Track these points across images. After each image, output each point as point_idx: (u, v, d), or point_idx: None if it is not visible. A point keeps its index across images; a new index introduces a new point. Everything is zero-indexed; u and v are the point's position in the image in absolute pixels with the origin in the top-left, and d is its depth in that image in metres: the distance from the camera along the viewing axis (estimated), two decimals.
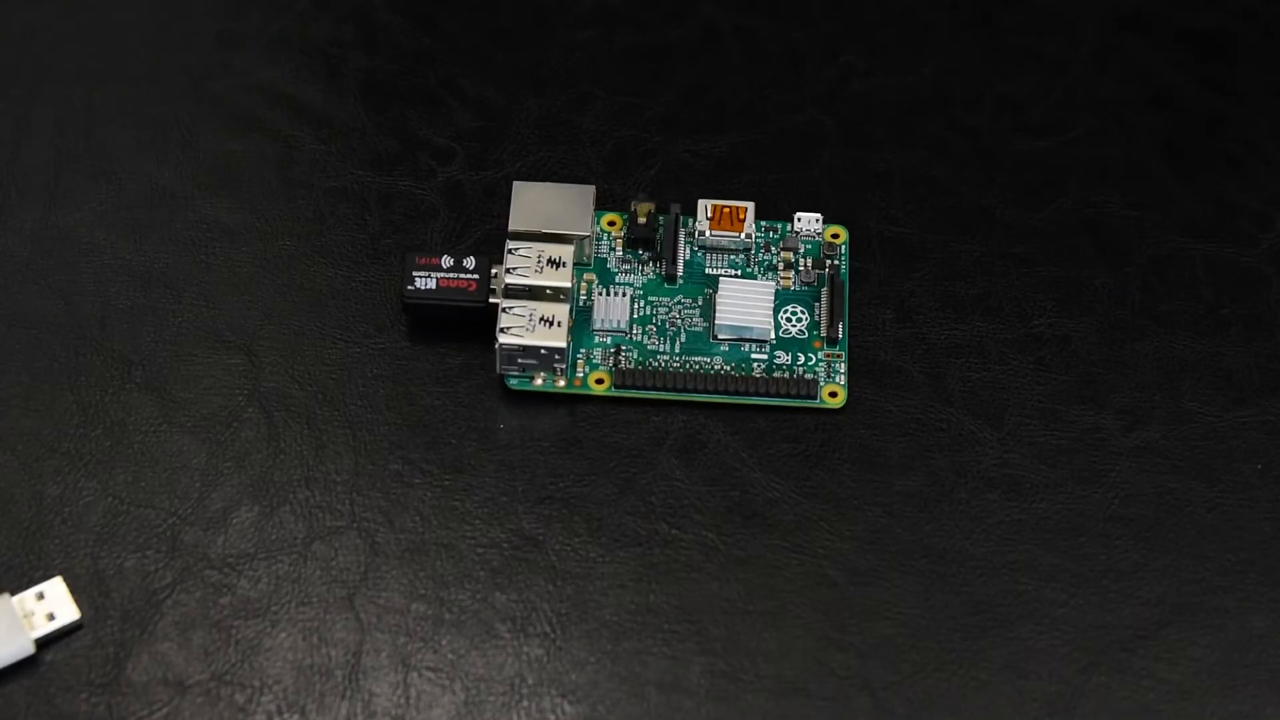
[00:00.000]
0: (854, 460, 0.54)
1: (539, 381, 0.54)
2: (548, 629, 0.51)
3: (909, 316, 0.56)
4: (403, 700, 0.50)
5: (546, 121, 0.60)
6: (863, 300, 0.56)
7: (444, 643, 0.51)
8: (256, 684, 0.50)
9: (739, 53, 0.61)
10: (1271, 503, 0.53)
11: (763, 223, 0.57)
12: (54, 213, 0.57)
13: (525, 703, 0.50)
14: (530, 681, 0.51)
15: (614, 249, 0.57)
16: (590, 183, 0.56)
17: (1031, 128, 0.60)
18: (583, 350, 0.55)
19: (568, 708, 0.50)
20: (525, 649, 0.51)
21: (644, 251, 0.57)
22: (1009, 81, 0.60)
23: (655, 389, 0.54)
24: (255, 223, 0.57)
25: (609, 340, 0.55)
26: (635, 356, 0.55)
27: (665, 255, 0.56)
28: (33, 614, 0.51)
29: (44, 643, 0.51)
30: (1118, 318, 0.56)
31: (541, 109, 0.60)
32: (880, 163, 0.59)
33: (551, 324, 0.54)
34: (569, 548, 0.52)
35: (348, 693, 0.50)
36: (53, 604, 0.51)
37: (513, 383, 0.54)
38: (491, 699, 0.50)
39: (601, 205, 0.57)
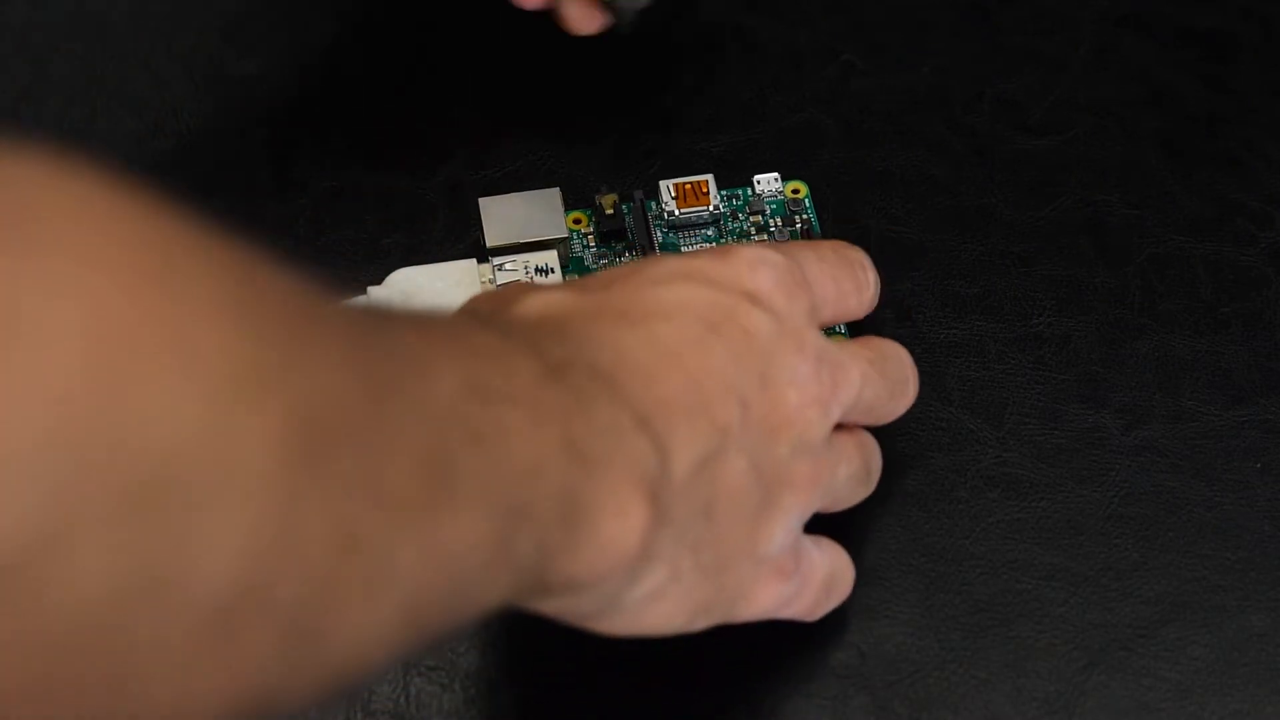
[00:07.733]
0: None
1: None
2: (548, 627, 0.51)
3: (909, 316, 0.56)
4: (403, 700, 0.50)
5: (546, 121, 0.60)
6: None
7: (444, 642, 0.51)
8: None
9: (739, 53, 0.61)
10: (1271, 502, 0.53)
11: (723, 192, 0.57)
12: None
13: (526, 701, 0.50)
14: (531, 679, 0.50)
15: (588, 246, 0.57)
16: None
17: (1031, 127, 0.59)
18: None
19: (568, 705, 0.50)
20: (525, 647, 0.51)
21: (618, 243, 0.57)
22: (1009, 81, 0.60)
23: None
24: (255, 223, 0.57)
25: None
26: None
27: (641, 242, 0.56)
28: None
29: None
30: (1117, 317, 0.56)
31: (541, 109, 0.60)
32: (880, 162, 0.59)
33: None
34: None
35: (347, 692, 0.50)
36: None
37: None
38: (492, 698, 0.50)
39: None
